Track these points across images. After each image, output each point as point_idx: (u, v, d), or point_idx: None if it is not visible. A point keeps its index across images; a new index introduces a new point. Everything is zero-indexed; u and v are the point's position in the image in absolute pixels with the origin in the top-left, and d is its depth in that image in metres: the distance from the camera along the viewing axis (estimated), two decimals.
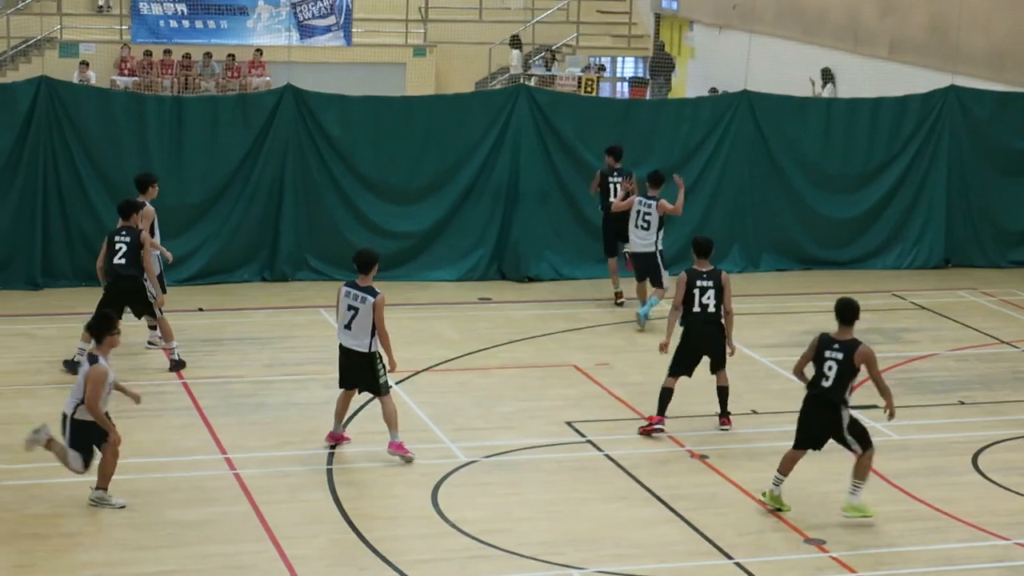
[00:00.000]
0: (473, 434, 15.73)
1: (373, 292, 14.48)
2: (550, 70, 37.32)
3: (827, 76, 31.26)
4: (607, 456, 15.20)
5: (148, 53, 35.85)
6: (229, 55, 36.20)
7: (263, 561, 12.54)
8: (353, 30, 34.54)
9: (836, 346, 13.38)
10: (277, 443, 15.22)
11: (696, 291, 15.76)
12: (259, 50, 35.69)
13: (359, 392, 14.91)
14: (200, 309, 19.88)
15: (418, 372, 17.67)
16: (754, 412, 16.69)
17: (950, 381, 18.06)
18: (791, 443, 13.85)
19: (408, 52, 37.74)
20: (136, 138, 21.05)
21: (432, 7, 38.74)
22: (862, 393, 17.45)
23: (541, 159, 22.36)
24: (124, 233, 17.14)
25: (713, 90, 32.22)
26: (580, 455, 15.27)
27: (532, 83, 34.04)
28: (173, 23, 33.83)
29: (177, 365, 17.41)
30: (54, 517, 13.22)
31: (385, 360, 14.66)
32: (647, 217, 19.76)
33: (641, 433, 15.86)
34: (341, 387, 14.92)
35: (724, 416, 16.12)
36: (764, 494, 13.96)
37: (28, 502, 13.53)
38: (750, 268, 23.29)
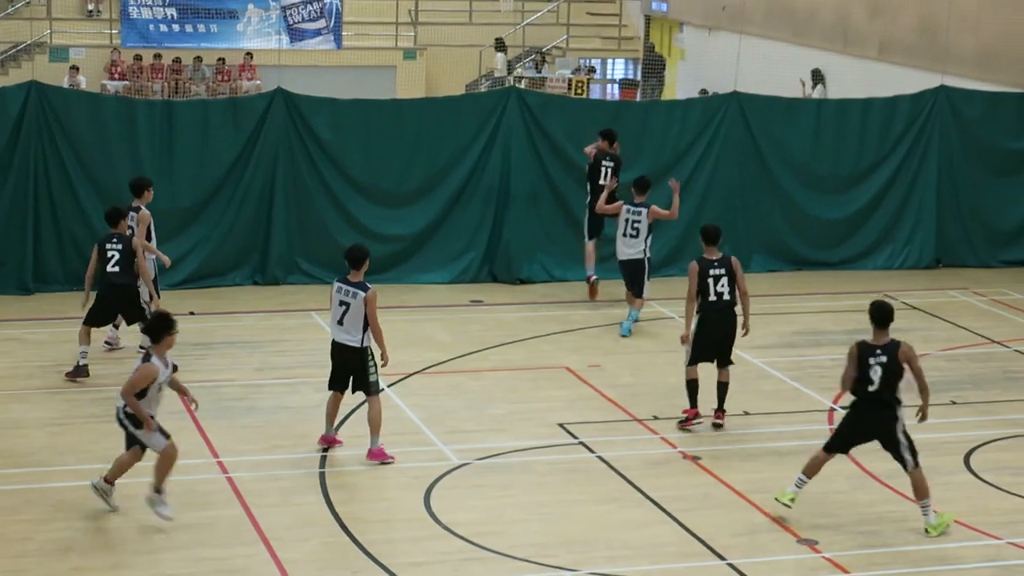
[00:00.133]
0: (465, 436, 15.73)
1: (364, 287, 14.51)
2: (540, 72, 37.33)
3: (817, 77, 31.28)
4: (599, 458, 15.20)
5: (138, 57, 35.83)
6: (219, 59, 36.18)
7: (256, 564, 12.54)
8: (343, 33, 34.56)
9: (879, 351, 13.28)
10: (269, 446, 15.22)
11: (710, 280, 15.85)
12: (249, 54, 35.68)
13: (352, 392, 14.91)
14: (191, 313, 19.86)
15: (410, 375, 17.67)
16: (746, 413, 16.69)
17: (941, 381, 18.06)
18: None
19: (398, 55, 37.73)
20: (127, 142, 21.03)
21: (422, 10, 38.74)
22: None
23: (532, 161, 22.37)
24: (115, 240, 17.11)
25: (703, 91, 32.23)
26: (572, 457, 15.27)
27: (523, 85, 34.03)
28: (163, 27, 33.81)
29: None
30: (47, 521, 13.21)
31: (377, 358, 14.66)
32: (636, 225, 19.73)
33: (680, 429, 15.99)
34: (331, 388, 14.92)
35: (720, 411, 16.14)
36: (782, 495, 13.72)
37: (21, 506, 13.52)
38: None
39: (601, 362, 18.48)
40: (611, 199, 20.24)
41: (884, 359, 13.25)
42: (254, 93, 30.74)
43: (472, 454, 15.20)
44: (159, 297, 17.75)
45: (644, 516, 13.83)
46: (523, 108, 22.27)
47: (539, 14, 39.88)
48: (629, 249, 19.80)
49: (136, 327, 17.68)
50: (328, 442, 15.12)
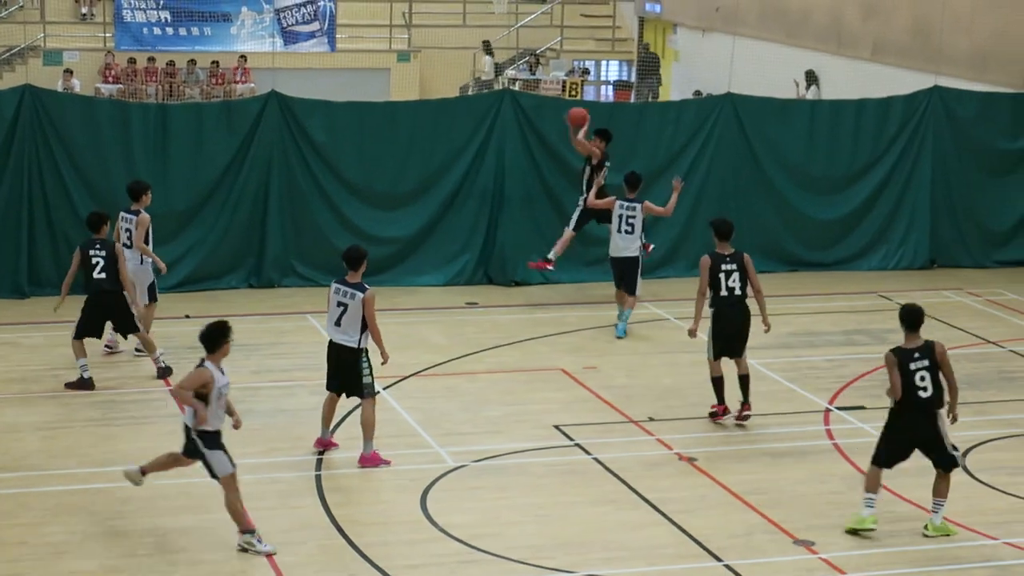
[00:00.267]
0: (461, 439, 15.73)
1: (363, 288, 14.50)
2: (534, 74, 37.34)
3: (811, 78, 31.31)
4: (595, 459, 15.20)
5: (132, 60, 35.82)
6: (213, 62, 36.17)
7: (252, 568, 12.53)
8: (337, 36, 34.50)
9: (917, 355, 13.18)
10: (265, 449, 15.20)
11: (721, 275, 15.92)
12: (243, 56, 35.67)
13: (346, 396, 14.90)
14: (187, 316, 19.83)
15: (405, 377, 17.67)
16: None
17: None
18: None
19: (392, 57, 37.73)
20: (121, 146, 21.02)
21: (416, 12, 38.74)
22: (850, 394, 17.52)
23: (526, 163, 22.37)
24: (99, 247, 16.98)
25: (697, 93, 32.26)
26: (568, 459, 15.27)
27: (517, 87, 34.04)
28: (157, 30, 33.77)
29: (164, 372, 17.38)
30: (42, 525, 13.20)
31: (372, 360, 14.65)
32: (631, 220, 19.72)
33: (714, 421, 16.21)
34: (328, 389, 14.91)
35: (745, 403, 16.22)
36: (859, 521, 13.45)
37: (17, 510, 13.50)
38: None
39: (597, 364, 18.48)
40: (600, 194, 20.29)
41: (926, 362, 13.18)
42: (248, 96, 30.80)
43: (468, 456, 15.20)
44: (156, 301, 17.76)
45: (640, 518, 13.83)
46: (517, 110, 22.27)
47: (533, 16, 39.90)
48: (625, 245, 19.75)
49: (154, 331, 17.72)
50: (324, 445, 15.11)
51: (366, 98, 23.72)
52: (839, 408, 16.99)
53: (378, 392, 15.26)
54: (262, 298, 21.19)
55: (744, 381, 16.17)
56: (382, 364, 14.76)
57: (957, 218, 24.36)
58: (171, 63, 36.04)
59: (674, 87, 37.19)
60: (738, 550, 13.13)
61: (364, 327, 14.48)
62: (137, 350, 18.03)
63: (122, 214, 17.95)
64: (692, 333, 16.35)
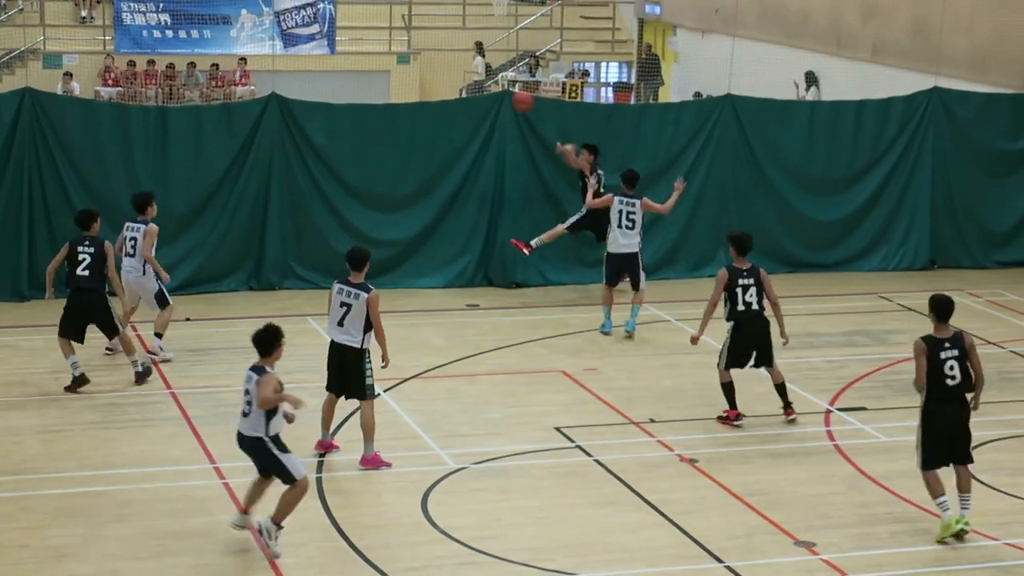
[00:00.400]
0: (462, 441, 15.73)
1: (367, 288, 14.48)
2: (534, 76, 37.34)
3: (811, 79, 31.31)
4: (596, 461, 15.20)
5: (132, 63, 35.80)
6: (213, 64, 36.15)
7: (253, 571, 12.52)
8: (337, 38, 34.55)
9: (947, 345, 13.20)
10: None
11: (738, 289, 16.06)
12: (243, 59, 35.66)
13: (346, 399, 14.89)
14: (187, 319, 19.84)
15: (406, 379, 17.66)
16: (742, 415, 16.67)
17: None
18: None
19: (392, 59, 37.73)
20: (121, 148, 21.02)
21: (415, 14, 38.73)
22: (850, 395, 17.52)
23: (526, 164, 22.37)
24: (88, 244, 16.97)
25: (697, 94, 32.25)
26: (569, 460, 15.27)
27: (516, 89, 34.02)
28: (156, 33, 33.81)
29: (142, 376, 17.24)
30: (42, 528, 13.19)
31: (375, 361, 14.64)
32: (631, 216, 19.70)
33: (723, 424, 16.25)
34: (328, 390, 14.90)
35: (787, 408, 16.32)
36: (944, 528, 13.34)
37: (17, 514, 13.50)
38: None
39: (597, 365, 18.48)
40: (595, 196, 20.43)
41: (956, 352, 13.20)
42: (248, 98, 30.81)
43: (469, 458, 15.19)
44: (170, 305, 17.79)
45: (641, 519, 13.83)
46: (517, 112, 22.25)
47: (532, 18, 39.90)
48: (626, 241, 19.70)
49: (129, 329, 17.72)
50: (325, 447, 15.10)
51: (366, 100, 23.71)
52: (840, 409, 16.99)
53: (378, 394, 15.25)
54: (262, 301, 21.18)
55: (781, 389, 16.34)
56: (383, 367, 14.75)
57: (957, 219, 24.36)
58: (171, 66, 36.02)
59: (674, 88, 37.19)
60: (739, 551, 13.12)
61: (367, 328, 14.47)
62: (108, 349, 17.95)
63: (128, 224, 17.94)
64: (695, 340, 16.36)
